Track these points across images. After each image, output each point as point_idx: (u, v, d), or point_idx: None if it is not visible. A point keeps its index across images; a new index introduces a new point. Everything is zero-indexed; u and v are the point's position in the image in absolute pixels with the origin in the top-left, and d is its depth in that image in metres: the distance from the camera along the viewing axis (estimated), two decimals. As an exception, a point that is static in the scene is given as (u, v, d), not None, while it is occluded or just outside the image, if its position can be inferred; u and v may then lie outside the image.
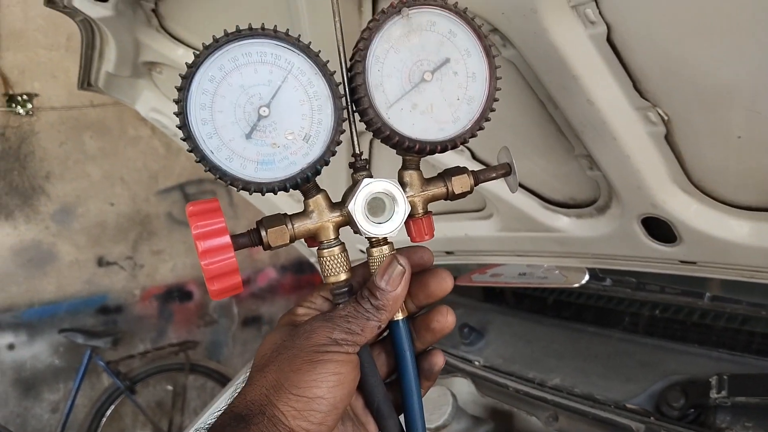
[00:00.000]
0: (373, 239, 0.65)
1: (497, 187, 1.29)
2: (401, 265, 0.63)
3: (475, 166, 1.24)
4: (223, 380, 4.46)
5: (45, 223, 4.46)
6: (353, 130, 0.66)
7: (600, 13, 0.78)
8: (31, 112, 4.39)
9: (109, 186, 4.67)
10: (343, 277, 0.65)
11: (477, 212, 1.43)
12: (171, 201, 4.83)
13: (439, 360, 0.71)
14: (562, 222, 1.26)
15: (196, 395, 4.74)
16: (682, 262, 1.13)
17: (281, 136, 0.60)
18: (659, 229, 1.12)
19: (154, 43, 1.29)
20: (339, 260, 0.65)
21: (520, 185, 1.26)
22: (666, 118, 0.88)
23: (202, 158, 0.58)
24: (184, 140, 0.58)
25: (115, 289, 4.70)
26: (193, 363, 4.47)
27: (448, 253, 1.60)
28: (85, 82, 1.48)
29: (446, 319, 0.68)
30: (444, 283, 0.69)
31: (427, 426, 1.67)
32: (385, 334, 0.69)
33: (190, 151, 0.58)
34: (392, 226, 0.63)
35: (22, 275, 4.40)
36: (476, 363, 1.50)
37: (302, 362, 0.59)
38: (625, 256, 1.23)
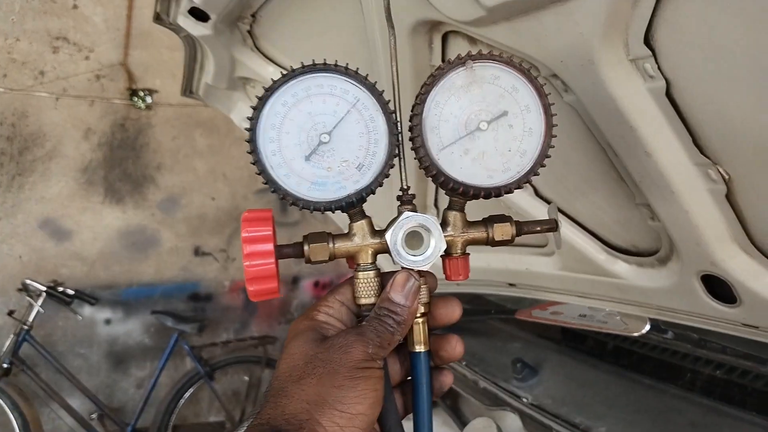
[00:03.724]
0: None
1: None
2: (415, 278, 0.66)
3: (537, 203, 1.24)
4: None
5: (151, 210, 4.76)
6: (402, 166, 0.70)
7: (659, 68, 0.77)
8: (150, 107, 4.70)
9: (213, 181, 4.93)
10: (373, 300, 0.68)
11: (539, 248, 1.43)
12: (266, 201, 5.02)
13: (447, 380, 0.73)
14: (622, 268, 1.23)
15: (268, 389, 4.86)
16: (744, 324, 1.08)
17: (337, 162, 0.66)
18: (722, 287, 1.08)
19: (249, 61, 1.40)
20: (372, 284, 0.68)
21: (583, 227, 1.25)
22: (727, 177, 0.85)
23: (263, 171, 0.64)
24: (250, 153, 0.64)
25: (207, 279, 4.94)
26: (269, 357, 4.58)
27: (510, 285, 1.61)
28: (188, 90, 1.63)
29: (454, 351, 0.71)
30: (452, 314, 0.71)
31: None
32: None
33: (254, 164, 0.64)
34: (425, 260, 0.66)
35: (126, 256, 4.69)
36: (524, 400, 1.49)
37: (344, 378, 0.59)
38: (685, 311, 1.18)
